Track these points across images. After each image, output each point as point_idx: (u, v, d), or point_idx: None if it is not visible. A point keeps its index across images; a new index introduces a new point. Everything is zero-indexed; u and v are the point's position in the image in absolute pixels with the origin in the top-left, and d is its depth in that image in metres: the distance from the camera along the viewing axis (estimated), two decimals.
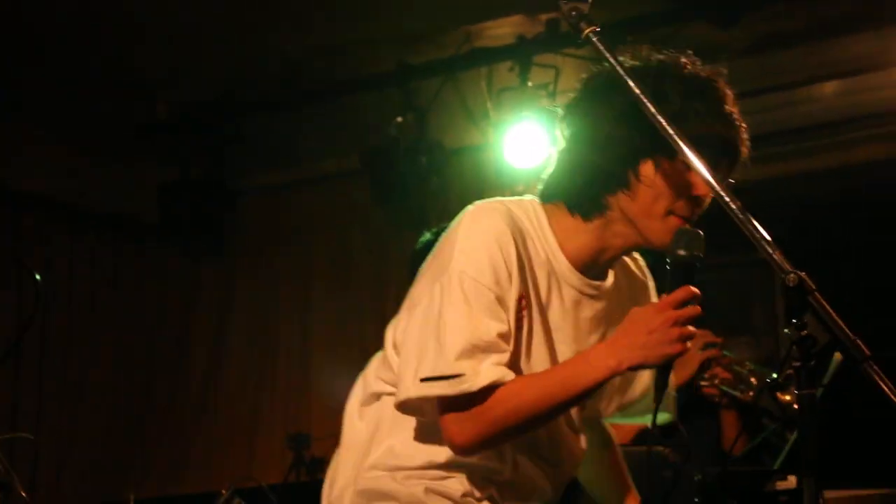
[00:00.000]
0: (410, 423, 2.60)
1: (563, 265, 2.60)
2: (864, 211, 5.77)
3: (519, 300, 2.52)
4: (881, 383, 2.18)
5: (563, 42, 5.60)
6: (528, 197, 2.66)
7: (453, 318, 2.46)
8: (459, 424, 2.48)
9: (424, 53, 5.88)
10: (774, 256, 2.24)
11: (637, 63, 2.54)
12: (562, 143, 2.64)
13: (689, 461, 3.88)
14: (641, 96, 2.32)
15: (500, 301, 2.49)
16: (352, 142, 6.24)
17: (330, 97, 6.13)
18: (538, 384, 2.50)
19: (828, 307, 2.17)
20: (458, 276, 2.47)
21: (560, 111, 2.67)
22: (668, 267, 2.44)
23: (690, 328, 2.37)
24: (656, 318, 2.38)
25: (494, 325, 2.47)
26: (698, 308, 2.38)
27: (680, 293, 2.37)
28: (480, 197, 2.67)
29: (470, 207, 2.56)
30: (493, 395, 2.45)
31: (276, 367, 6.49)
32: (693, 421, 4.85)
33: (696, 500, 3.84)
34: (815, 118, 5.80)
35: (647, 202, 2.51)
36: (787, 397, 4.68)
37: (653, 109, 2.30)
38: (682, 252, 2.40)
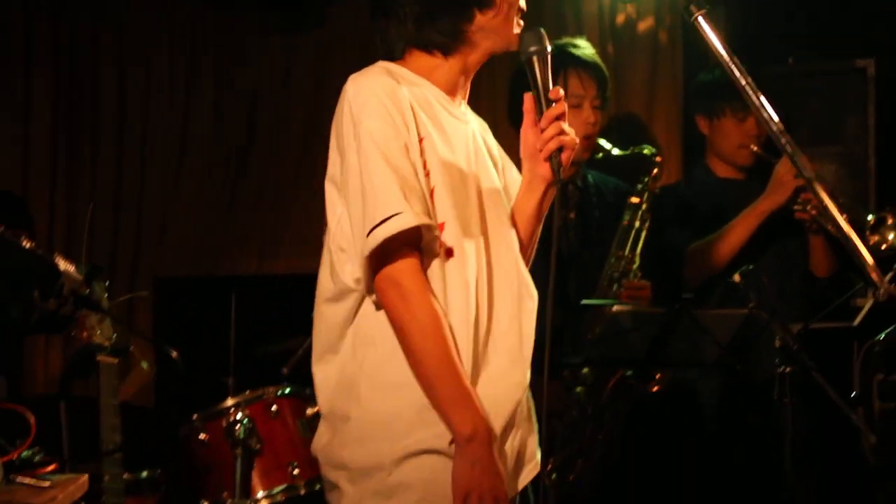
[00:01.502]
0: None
1: (441, 97, 2.79)
2: None
3: (420, 141, 2.68)
4: None
5: None
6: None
7: (376, 171, 2.60)
8: (391, 283, 2.62)
9: None
10: (870, 266, 2.32)
11: None
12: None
13: (773, 319, 4.01)
14: (738, 74, 2.62)
15: (408, 145, 2.63)
16: None
17: None
18: (441, 355, 2.62)
19: None
20: (366, 134, 2.62)
21: None
22: (527, 66, 2.78)
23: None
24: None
25: (409, 163, 2.63)
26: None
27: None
28: None
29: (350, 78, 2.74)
30: (429, 307, 2.61)
31: None
32: (786, 243, 4.94)
33: (777, 360, 3.99)
34: None
35: (505, 11, 2.80)
36: (876, 237, 4.74)
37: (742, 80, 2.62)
38: (533, 48, 2.76)
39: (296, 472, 4.73)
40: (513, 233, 2.86)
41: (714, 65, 5.62)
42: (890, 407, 4.12)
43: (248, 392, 4.88)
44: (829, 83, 5.86)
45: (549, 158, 2.74)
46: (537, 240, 2.98)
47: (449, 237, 2.70)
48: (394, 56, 2.84)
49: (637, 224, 4.62)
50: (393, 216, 2.56)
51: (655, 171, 4.70)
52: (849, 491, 5.02)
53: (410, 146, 2.65)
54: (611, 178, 4.83)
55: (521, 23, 2.85)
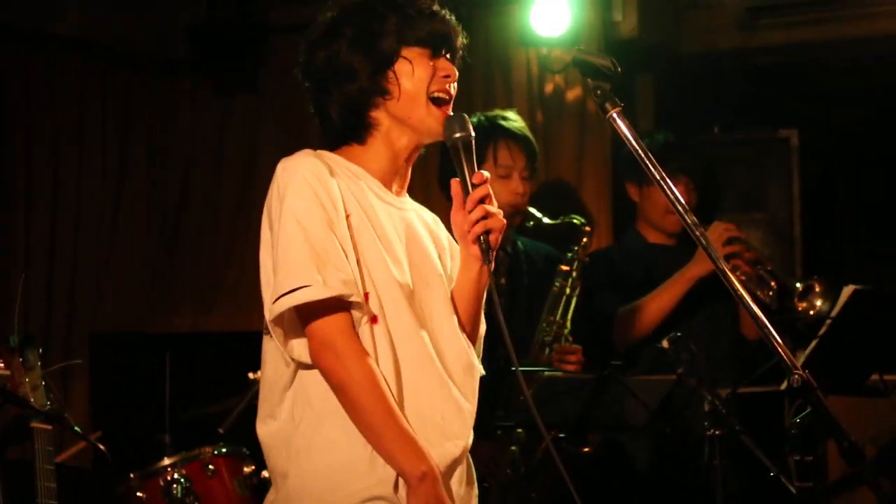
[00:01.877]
0: None
1: (371, 182, 2.89)
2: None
3: (347, 217, 2.77)
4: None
5: None
6: None
7: (290, 241, 2.69)
8: (324, 346, 2.68)
9: None
10: (784, 355, 2.44)
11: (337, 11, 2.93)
12: (310, 89, 2.97)
13: (701, 384, 4.13)
14: (653, 170, 2.67)
15: (331, 220, 2.73)
16: None
17: None
18: (383, 406, 2.69)
19: (826, 406, 2.38)
20: (292, 205, 2.72)
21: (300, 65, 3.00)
22: (451, 152, 2.85)
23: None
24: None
25: (330, 238, 2.71)
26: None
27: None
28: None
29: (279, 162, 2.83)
30: (364, 363, 2.68)
31: None
32: (714, 307, 5.05)
33: (706, 423, 4.10)
34: None
35: (408, 97, 2.86)
36: (804, 304, 4.87)
37: (656, 173, 2.67)
38: (457, 135, 2.83)
39: None
40: (450, 309, 2.93)
41: (643, 133, 5.79)
42: (806, 487, 4.24)
43: (184, 452, 4.92)
44: (754, 152, 6.02)
45: (477, 240, 2.82)
46: (479, 317, 3.03)
47: (374, 306, 2.77)
48: (331, 145, 2.95)
49: (568, 290, 4.74)
50: (300, 288, 2.65)
51: (585, 240, 4.82)
52: None
53: (335, 221, 2.73)
54: (541, 245, 4.95)
55: (445, 108, 2.90)
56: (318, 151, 2.89)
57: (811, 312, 4.83)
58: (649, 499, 4.96)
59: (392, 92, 2.85)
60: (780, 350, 2.48)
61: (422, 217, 3.03)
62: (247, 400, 4.91)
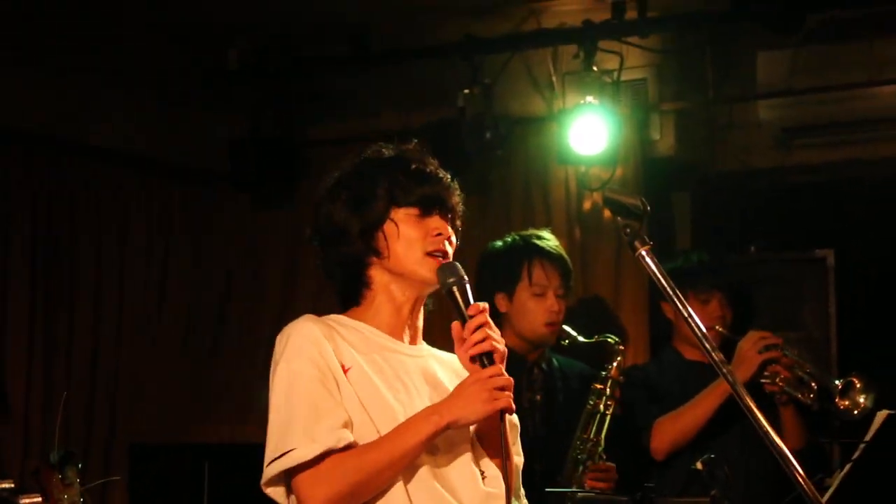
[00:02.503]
0: None
1: (377, 334, 3.00)
2: None
3: (345, 370, 2.87)
4: None
5: (628, 29, 5.68)
6: None
7: (281, 404, 2.81)
8: (311, 489, 2.76)
9: (490, 26, 5.95)
10: (805, 488, 2.45)
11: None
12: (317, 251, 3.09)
13: None
14: (679, 305, 2.73)
15: (324, 377, 2.82)
16: (416, 105, 6.34)
17: (396, 59, 6.21)
18: (377, 441, 2.80)
19: None
20: (283, 370, 2.84)
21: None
22: (448, 298, 2.92)
23: (502, 381, 2.82)
24: (469, 379, 2.84)
25: (322, 395, 2.81)
26: (507, 378, 2.84)
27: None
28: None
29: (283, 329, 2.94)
30: (337, 457, 2.76)
31: None
32: (748, 422, 5.02)
33: None
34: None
35: (397, 256, 2.97)
36: (846, 402, 4.85)
37: (683, 310, 2.73)
38: (450, 280, 2.91)
39: None
40: (467, 447, 2.97)
41: (678, 251, 5.83)
42: None
43: None
44: (790, 271, 6.03)
45: (479, 359, 2.86)
46: (509, 451, 3.00)
47: None
48: (342, 307, 3.08)
49: (601, 408, 4.74)
50: (288, 452, 2.75)
51: (619, 359, 4.83)
52: None
53: (326, 375, 2.82)
54: (576, 363, 4.97)
55: (438, 260, 2.98)
56: (324, 316, 3.00)
57: (855, 412, 4.82)
58: None
59: (383, 252, 2.97)
60: (801, 481, 2.50)
61: (441, 360, 3.11)
62: None
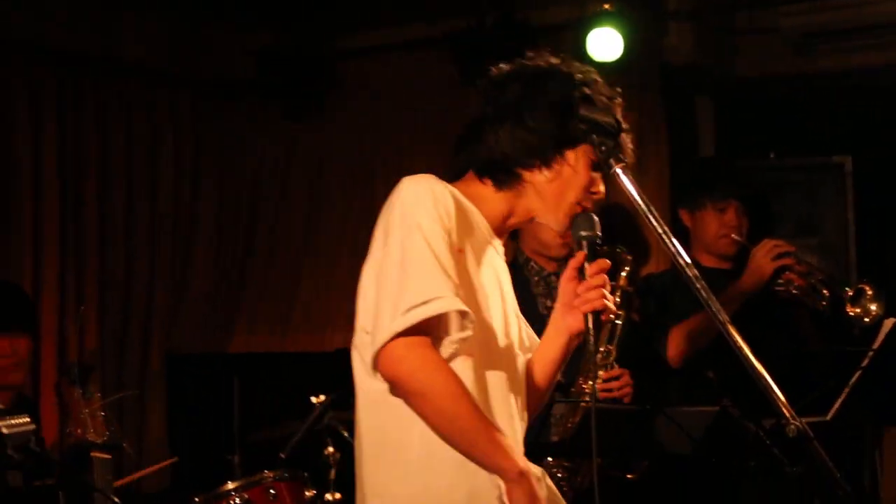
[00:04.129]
0: None
1: (483, 225, 2.96)
2: None
3: (459, 251, 2.81)
4: None
5: None
6: None
7: (420, 258, 2.71)
8: (411, 350, 2.68)
9: None
10: (780, 402, 2.51)
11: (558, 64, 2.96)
12: (485, 115, 2.97)
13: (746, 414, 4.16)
14: (654, 223, 2.79)
15: (451, 245, 2.77)
16: (441, 15, 6.34)
17: None
18: (477, 413, 2.73)
19: (823, 453, 2.46)
20: (416, 227, 2.73)
21: (484, 83, 3.02)
22: (576, 247, 2.95)
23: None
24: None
25: (453, 263, 2.76)
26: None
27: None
28: None
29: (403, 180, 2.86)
30: (449, 372, 2.70)
31: (371, 230, 6.70)
32: (773, 314, 5.10)
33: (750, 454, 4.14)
34: None
35: (563, 186, 2.92)
36: (857, 310, 4.89)
37: (658, 227, 2.80)
38: (583, 233, 2.92)
39: None
40: (521, 357, 3.03)
41: (695, 160, 5.84)
42: None
43: (247, 476, 5.03)
44: (809, 177, 6.02)
45: (590, 315, 2.92)
46: (554, 385, 3.16)
47: (471, 342, 2.83)
48: (454, 177, 2.99)
49: (612, 317, 4.80)
50: (434, 299, 2.67)
51: (627, 268, 4.88)
52: None
53: (452, 250, 2.78)
54: None
55: (585, 207, 2.98)
56: (441, 181, 2.91)
57: (866, 319, 4.86)
58: None
59: (552, 169, 2.91)
60: (776, 399, 2.56)
61: (505, 266, 3.10)
62: (308, 424, 5.04)
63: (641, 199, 2.73)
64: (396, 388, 2.76)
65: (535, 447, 3.19)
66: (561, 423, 4.52)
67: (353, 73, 6.77)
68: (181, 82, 6.78)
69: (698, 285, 2.68)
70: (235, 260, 6.96)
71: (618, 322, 4.79)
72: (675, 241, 2.72)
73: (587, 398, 4.48)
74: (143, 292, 6.61)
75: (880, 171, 5.94)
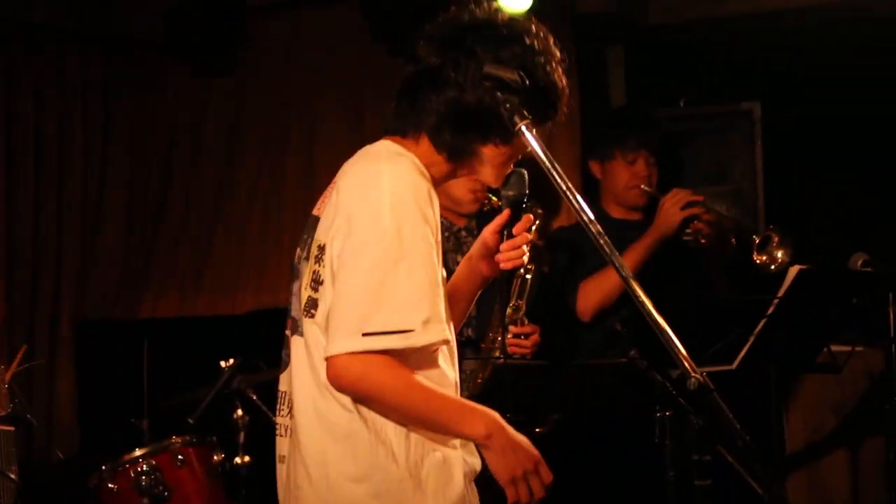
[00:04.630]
0: None
1: (445, 218, 2.98)
2: None
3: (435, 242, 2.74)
4: None
5: None
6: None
7: (402, 273, 2.62)
8: (377, 370, 2.61)
9: None
10: (681, 356, 2.48)
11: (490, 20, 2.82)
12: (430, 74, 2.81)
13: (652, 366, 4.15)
14: (562, 185, 2.68)
15: (437, 254, 2.71)
16: None
17: None
18: (428, 400, 2.70)
19: (723, 405, 2.44)
20: (398, 231, 2.64)
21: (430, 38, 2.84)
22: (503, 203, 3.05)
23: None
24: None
25: (435, 274, 2.69)
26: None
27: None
28: None
29: (381, 157, 2.77)
30: (395, 366, 2.62)
31: (284, 189, 6.64)
32: (682, 264, 5.09)
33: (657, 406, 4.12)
34: None
35: (513, 153, 2.87)
36: (763, 257, 4.90)
37: (562, 184, 2.68)
38: (511, 193, 3.02)
39: None
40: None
41: (606, 110, 5.79)
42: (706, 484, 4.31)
43: (155, 442, 5.00)
44: (718, 125, 6.02)
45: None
46: (460, 327, 3.14)
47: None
48: (400, 132, 2.87)
49: (522, 272, 4.75)
50: (403, 332, 2.61)
51: (538, 222, 4.82)
52: None
53: (437, 254, 2.72)
54: None
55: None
56: (401, 150, 2.82)
57: (772, 266, 4.87)
58: (603, 479, 4.99)
59: (507, 141, 2.80)
60: (677, 353, 2.53)
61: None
62: (216, 389, 4.99)
63: (546, 156, 2.66)
64: (347, 394, 2.70)
65: None
66: (471, 378, 4.48)
67: (263, 30, 6.65)
68: (91, 40, 6.62)
69: (601, 241, 2.62)
70: (146, 223, 6.83)
71: (528, 276, 4.75)
72: (578, 197, 2.66)
73: (497, 354, 4.45)
74: (53, 257, 6.47)
75: (788, 117, 5.93)
